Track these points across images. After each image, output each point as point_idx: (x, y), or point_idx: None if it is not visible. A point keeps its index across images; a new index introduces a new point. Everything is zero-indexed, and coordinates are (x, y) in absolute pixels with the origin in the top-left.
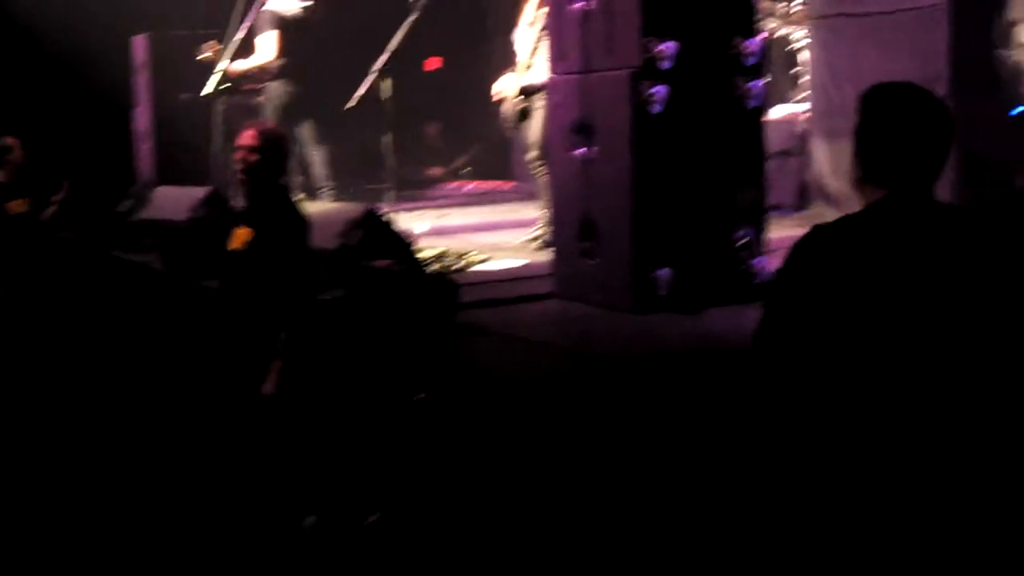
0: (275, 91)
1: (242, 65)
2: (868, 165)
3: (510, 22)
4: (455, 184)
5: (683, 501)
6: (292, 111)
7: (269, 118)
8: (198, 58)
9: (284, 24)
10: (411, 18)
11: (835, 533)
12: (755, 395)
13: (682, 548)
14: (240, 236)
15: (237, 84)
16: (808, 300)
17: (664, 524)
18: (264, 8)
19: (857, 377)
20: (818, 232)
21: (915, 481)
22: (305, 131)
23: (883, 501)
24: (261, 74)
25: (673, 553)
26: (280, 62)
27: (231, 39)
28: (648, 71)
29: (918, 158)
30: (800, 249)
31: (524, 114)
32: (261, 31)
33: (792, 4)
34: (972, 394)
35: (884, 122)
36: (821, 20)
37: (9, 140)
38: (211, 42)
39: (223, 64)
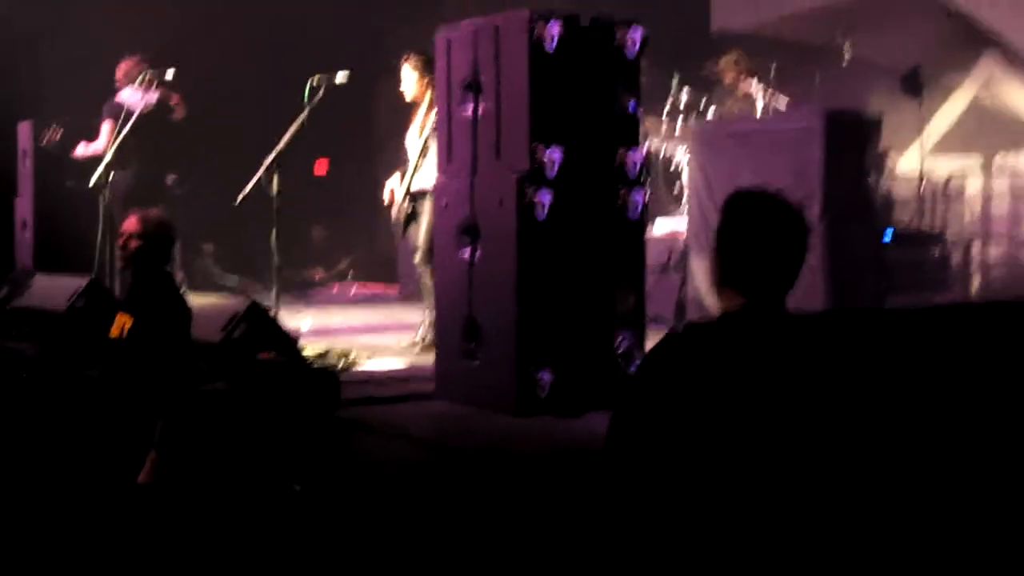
0: (120, 180)
1: (81, 151)
2: (725, 269)
3: (398, 129)
4: (339, 286)
5: None
6: (137, 200)
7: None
8: (42, 143)
9: (123, 116)
10: (303, 116)
11: None
12: (603, 498)
13: None
14: (120, 323)
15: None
16: (657, 407)
17: None
18: (117, 101)
19: (701, 485)
20: (671, 340)
21: None
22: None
23: None
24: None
25: None
26: (110, 150)
27: (119, 134)
28: (535, 176)
29: (773, 263)
30: (653, 356)
31: (412, 217)
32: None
33: (674, 122)
34: (818, 502)
35: (741, 227)
36: (702, 141)
37: None
38: (54, 127)
39: (108, 156)
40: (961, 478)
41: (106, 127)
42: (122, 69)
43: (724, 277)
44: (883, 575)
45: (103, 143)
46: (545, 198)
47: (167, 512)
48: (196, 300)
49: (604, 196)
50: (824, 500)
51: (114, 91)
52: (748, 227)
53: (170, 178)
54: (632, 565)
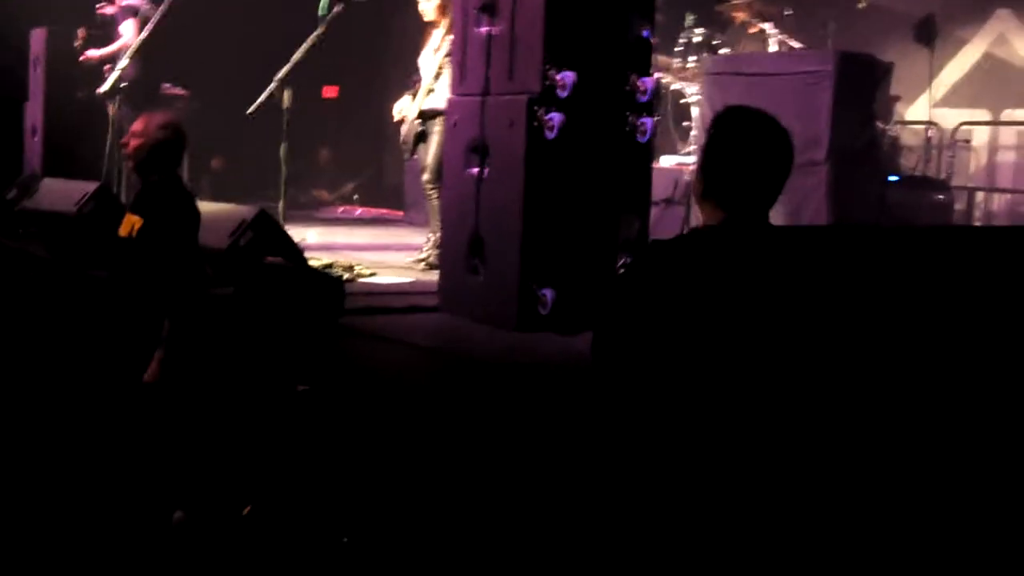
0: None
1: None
2: (709, 181)
3: (410, 50)
4: (344, 208)
5: (535, 499)
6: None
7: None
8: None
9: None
10: (317, 32)
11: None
12: (593, 394)
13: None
14: (129, 223)
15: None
16: (638, 313)
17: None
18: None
19: (686, 388)
20: (655, 247)
21: (750, 487)
22: None
23: (717, 505)
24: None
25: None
26: (136, 46)
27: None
28: (546, 98)
29: (752, 176)
30: (636, 264)
31: (422, 137)
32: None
33: (686, 61)
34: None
35: (727, 142)
36: (712, 76)
37: None
38: (80, 29)
39: (121, 63)
40: (941, 394)
41: (129, 26)
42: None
43: (706, 190)
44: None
45: (127, 40)
46: (555, 120)
47: (173, 410)
48: (203, 207)
49: (614, 120)
50: (802, 408)
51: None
52: (730, 140)
53: (165, 86)
54: (620, 475)
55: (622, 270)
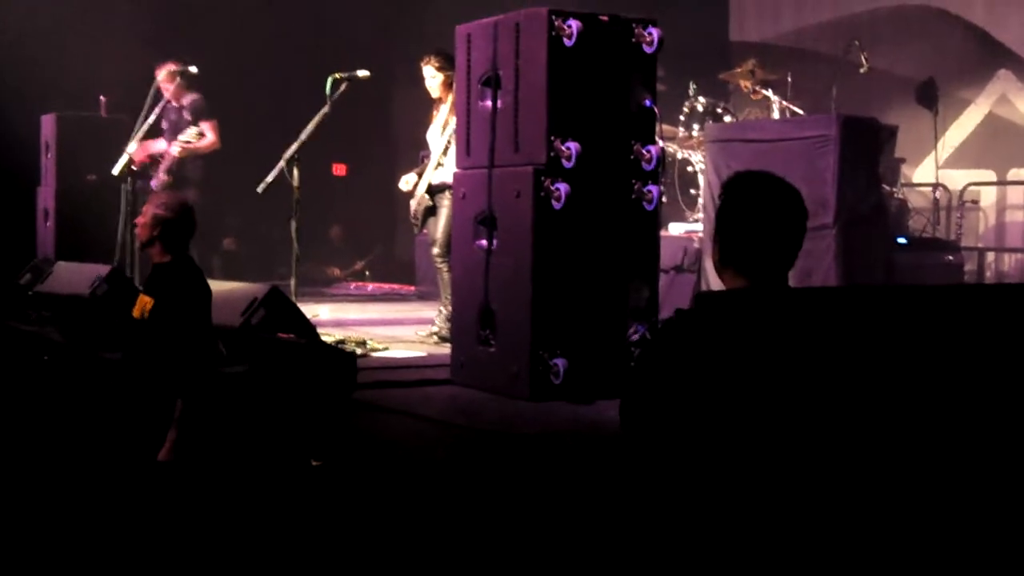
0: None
1: (183, 147)
2: (726, 249)
3: (418, 127)
4: (356, 284)
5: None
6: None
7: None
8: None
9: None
10: (323, 110)
11: None
12: (624, 462)
13: None
14: (141, 304)
15: (145, 168)
16: (665, 383)
17: None
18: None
19: (709, 460)
20: (679, 317)
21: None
22: None
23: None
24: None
25: None
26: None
27: (142, 123)
28: (552, 169)
29: (770, 241)
30: (663, 332)
31: (431, 211)
32: (194, 117)
33: (691, 129)
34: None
35: (740, 207)
36: (717, 144)
37: None
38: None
39: (131, 147)
40: (963, 459)
41: (211, 124)
42: (170, 75)
43: (723, 257)
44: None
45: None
46: (562, 190)
47: (187, 488)
48: (215, 286)
49: (619, 189)
50: (830, 475)
51: (157, 91)
52: (744, 205)
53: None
54: (648, 540)
55: (636, 337)
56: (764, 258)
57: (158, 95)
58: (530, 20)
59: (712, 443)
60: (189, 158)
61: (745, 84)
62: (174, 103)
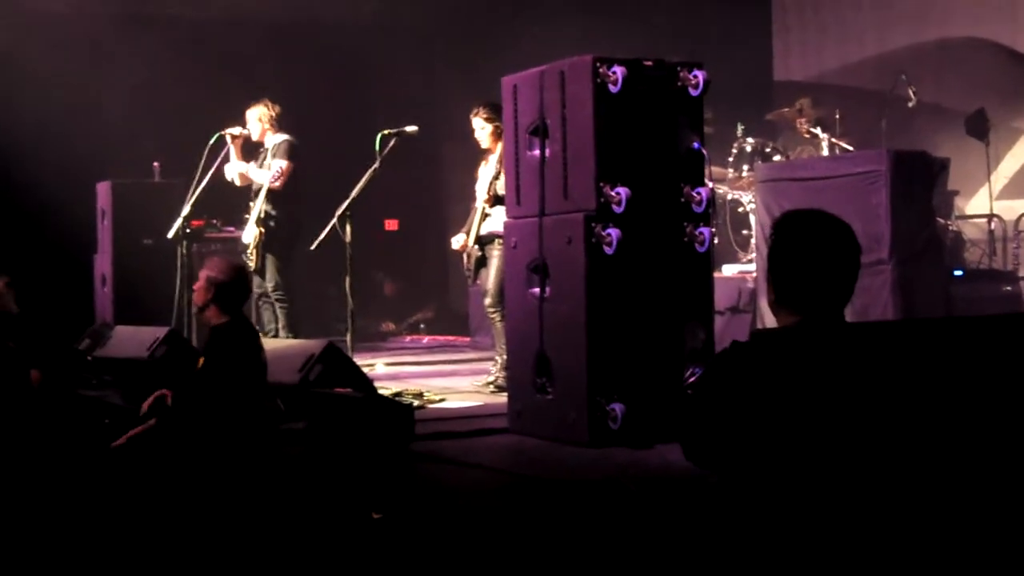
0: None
1: (252, 175)
2: (780, 288)
3: (468, 178)
4: (411, 337)
5: None
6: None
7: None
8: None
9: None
10: (373, 167)
11: None
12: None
13: None
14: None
15: (199, 231)
16: (722, 412)
17: None
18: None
19: (770, 490)
20: (735, 350)
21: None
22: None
23: None
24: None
25: None
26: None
27: (196, 188)
28: (602, 214)
29: (824, 279)
30: (719, 363)
31: (482, 262)
32: (275, 154)
33: (740, 170)
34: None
35: (793, 247)
36: (767, 184)
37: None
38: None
39: (185, 210)
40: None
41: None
42: (263, 115)
43: (779, 297)
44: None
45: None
46: (613, 236)
47: (254, 542)
48: (273, 343)
49: (671, 232)
50: (887, 506)
51: (208, 156)
52: (797, 245)
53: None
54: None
55: (693, 379)
56: (819, 295)
57: (212, 157)
58: (575, 68)
59: (765, 474)
60: (280, 216)
61: (800, 122)
62: (264, 144)
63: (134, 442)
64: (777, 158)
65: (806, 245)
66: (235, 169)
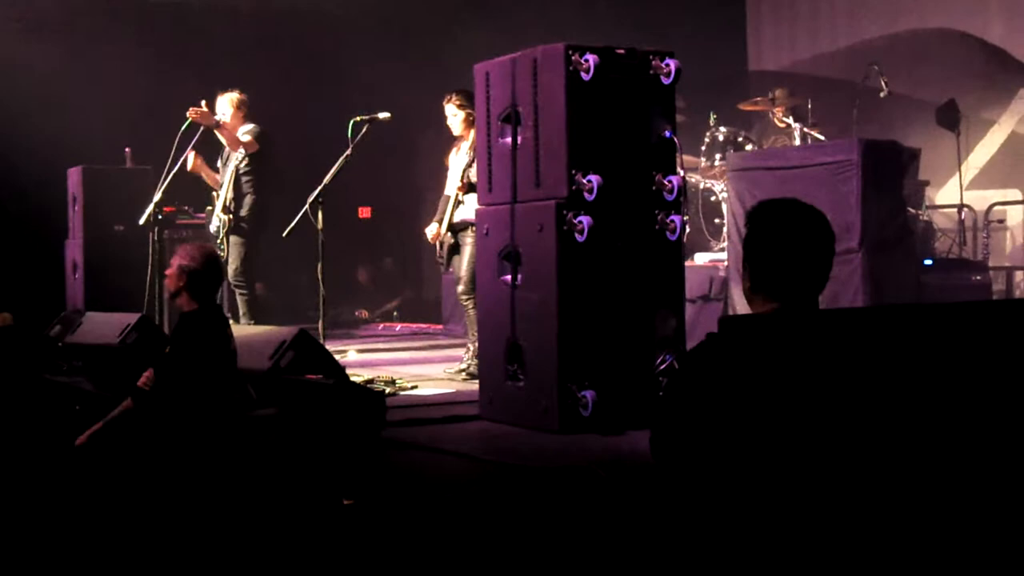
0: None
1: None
2: (756, 275)
3: (440, 166)
4: (384, 325)
5: None
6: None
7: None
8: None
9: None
10: (345, 154)
11: None
12: (656, 490)
13: None
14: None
15: (170, 217)
16: (696, 406)
17: None
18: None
19: (744, 481)
20: (710, 340)
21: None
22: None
23: None
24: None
25: None
26: (254, 150)
27: (167, 175)
28: (574, 202)
29: (801, 268)
30: (691, 359)
31: (455, 249)
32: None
33: (713, 159)
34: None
35: (767, 235)
36: (739, 172)
37: None
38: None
39: (156, 196)
40: (999, 475)
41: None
42: (234, 102)
43: (754, 285)
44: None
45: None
46: (584, 223)
47: (220, 527)
48: (244, 330)
49: (642, 220)
50: (864, 497)
51: (180, 141)
52: (772, 232)
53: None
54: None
55: (664, 366)
56: (794, 282)
57: (182, 145)
58: (547, 56)
59: (743, 466)
60: (246, 203)
61: (774, 111)
62: (228, 133)
63: (108, 428)
64: (749, 147)
65: (781, 232)
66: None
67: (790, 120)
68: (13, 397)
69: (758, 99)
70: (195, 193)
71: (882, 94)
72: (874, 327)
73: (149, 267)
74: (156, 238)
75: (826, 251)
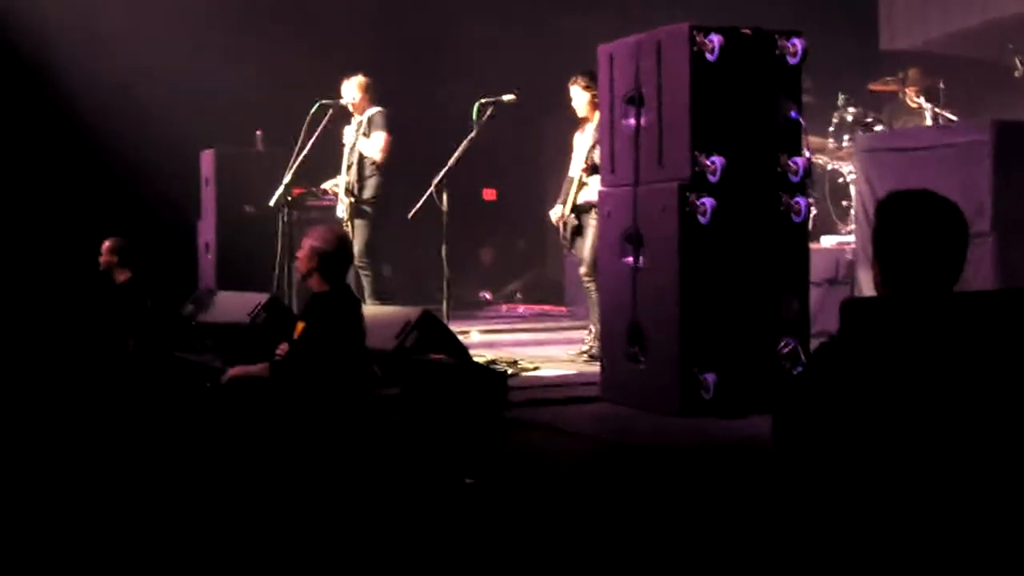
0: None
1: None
2: (886, 270)
3: (566, 147)
4: (508, 306)
5: None
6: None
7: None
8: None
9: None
10: (470, 136)
11: None
12: (776, 489)
13: None
14: (299, 329)
15: (300, 199)
16: (820, 389)
17: None
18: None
19: (872, 476)
20: (846, 314)
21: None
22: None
23: None
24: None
25: None
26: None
27: (297, 157)
28: (697, 183)
29: (932, 260)
30: (822, 354)
31: (578, 231)
32: (371, 127)
33: (840, 140)
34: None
35: (896, 227)
36: (867, 154)
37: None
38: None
39: (286, 178)
40: None
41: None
42: (362, 85)
43: (884, 279)
44: None
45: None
46: (707, 205)
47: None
48: (370, 310)
49: (766, 201)
50: (995, 487)
51: (311, 123)
52: (903, 226)
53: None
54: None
55: (787, 350)
56: (927, 277)
57: (312, 128)
58: (671, 37)
59: (866, 454)
60: (369, 184)
61: (906, 92)
62: (357, 115)
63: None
64: (879, 128)
65: (913, 226)
66: (350, 138)
67: (922, 101)
68: (148, 376)
69: (889, 79)
70: (325, 175)
71: (1017, 74)
72: (1004, 310)
73: (278, 248)
74: (285, 219)
75: (959, 245)
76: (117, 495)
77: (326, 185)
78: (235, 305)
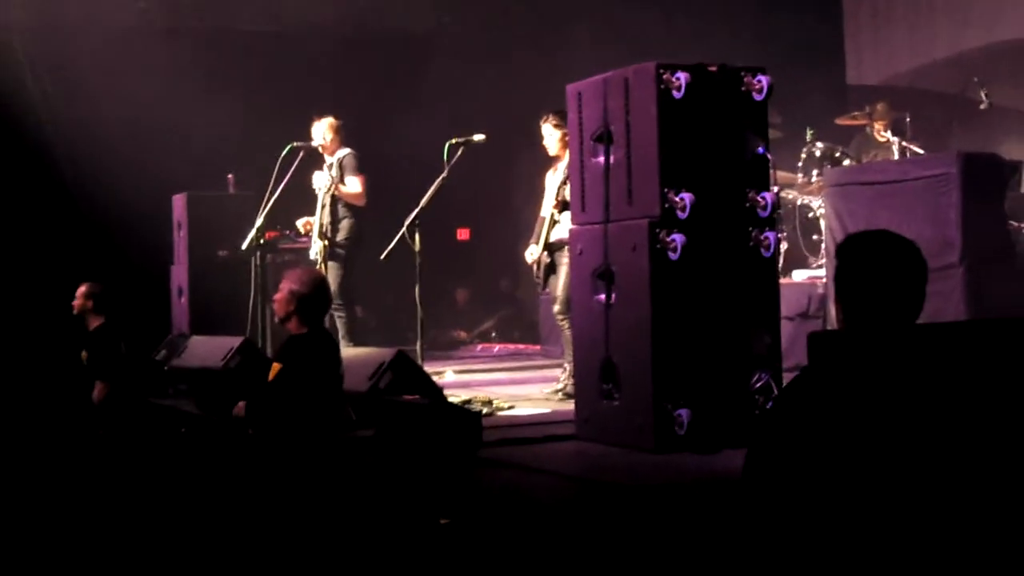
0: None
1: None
2: (848, 309)
3: (538, 186)
4: (482, 345)
5: None
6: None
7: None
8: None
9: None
10: (441, 176)
11: None
12: (745, 525)
13: None
14: (274, 371)
15: (273, 242)
16: (793, 435)
17: None
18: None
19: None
20: (806, 374)
21: None
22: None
23: None
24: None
25: None
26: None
27: (268, 200)
28: (666, 220)
29: (891, 301)
30: (791, 388)
31: (551, 269)
32: (343, 171)
33: (810, 175)
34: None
35: (857, 269)
36: (836, 188)
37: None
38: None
39: (258, 221)
40: None
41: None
42: (332, 127)
43: (847, 317)
44: None
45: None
46: (677, 241)
47: (320, 544)
48: (344, 352)
49: (736, 237)
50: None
51: (282, 166)
52: (862, 267)
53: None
54: None
55: (759, 385)
56: (886, 316)
57: (285, 168)
58: (639, 75)
59: (837, 485)
60: (343, 227)
61: (873, 125)
62: (328, 156)
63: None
64: (847, 163)
65: (871, 266)
66: (323, 181)
67: (889, 135)
68: (121, 422)
69: (856, 113)
70: (297, 218)
71: (982, 106)
72: (971, 341)
73: (252, 291)
74: (259, 263)
75: (918, 283)
76: (91, 539)
77: (299, 222)
78: (208, 349)
